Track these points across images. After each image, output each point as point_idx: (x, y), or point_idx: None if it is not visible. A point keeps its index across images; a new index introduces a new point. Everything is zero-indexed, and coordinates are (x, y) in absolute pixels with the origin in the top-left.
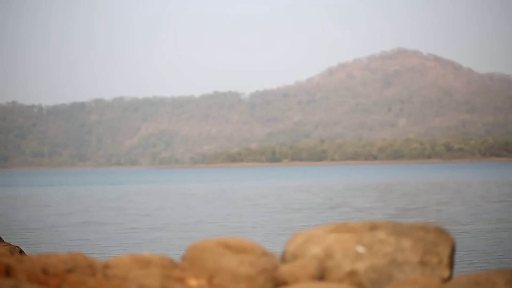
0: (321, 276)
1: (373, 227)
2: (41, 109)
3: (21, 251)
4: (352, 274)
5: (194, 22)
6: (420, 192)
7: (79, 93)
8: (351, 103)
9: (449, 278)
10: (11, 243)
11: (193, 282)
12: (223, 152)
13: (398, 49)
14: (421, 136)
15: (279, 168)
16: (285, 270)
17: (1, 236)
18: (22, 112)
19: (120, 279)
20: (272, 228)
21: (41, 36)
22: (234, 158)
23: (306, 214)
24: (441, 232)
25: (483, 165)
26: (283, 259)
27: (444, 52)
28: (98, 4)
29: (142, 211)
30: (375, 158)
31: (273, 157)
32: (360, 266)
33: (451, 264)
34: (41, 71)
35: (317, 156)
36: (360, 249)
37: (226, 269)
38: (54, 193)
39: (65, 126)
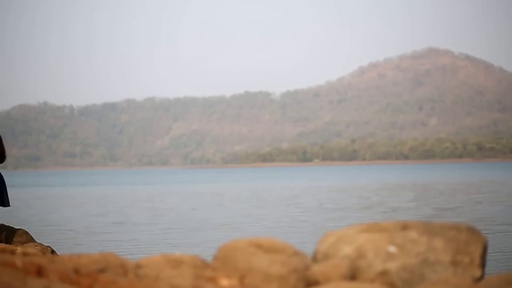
0: (352, 276)
1: (404, 226)
2: (72, 109)
3: (52, 251)
4: (383, 274)
5: (222, 22)
6: (455, 192)
7: (110, 94)
8: (382, 102)
9: (481, 278)
10: (43, 243)
11: (224, 282)
12: (254, 152)
13: (429, 48)
14: (452, 136)
15: (310, 168)
16: (316, 270)
17: (33, 236)
18: (53, 113)
19: (152, 279)
20: (307, 228)
21: (72, 37)
22: (265, 158)
23: (341, 214)
24: (473, 231)
25: None
26: (315, 259)
27: (476, 51)
28: (121, 3)
29: (174, 211)
30: (406, 157)
31: (304, 157)
32: (392, 265)
33: (483, 264)
34: (72, 72)
35: (348, 155)
36: (392, 248)
37: (257, 269)
38: (86, 193)
39: (96, 126)
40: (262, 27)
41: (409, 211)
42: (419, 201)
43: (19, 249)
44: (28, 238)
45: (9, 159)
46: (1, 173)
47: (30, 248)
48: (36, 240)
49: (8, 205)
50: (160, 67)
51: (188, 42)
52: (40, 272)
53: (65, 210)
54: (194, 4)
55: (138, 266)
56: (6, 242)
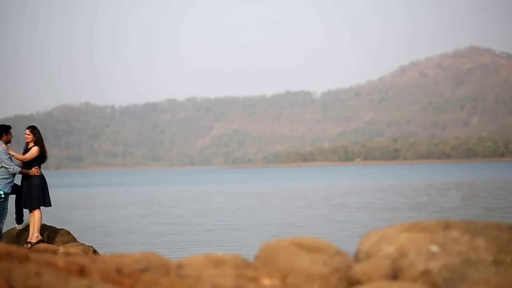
0: (394, 275)
1: (446, 226)
2: (114, 109)
3: (94, 251)
4: (425, 273)
5: (258, 22)
6: (503, 191)
7: (152, 94)
8: (423, 101)
9: None
10: (85, 243)
11: (266, 281)
12: (295, 151)
13: (470, 47)
14: (494, 134)
15: (352, 167)
16: (358, 269)
17: (75, 236)
18: (95, 113)
19: (194, 279)
20: (351, 228)
21: (114, 38)
22: (306, 158)
23: (390, 215)
24: None
25: None
26: (357, 258)
27: None
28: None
29: (218, 211)
30: (448, 156)
31: (345, 156)
32: (434, 265)
33: None
34: (114, 72)
35: (390, 155)
36: (434, 248)
37: (299, 269)
38: (128, 193)
39: (138, 127)
40: (302, 26)
41: (459, 210)
42: (468, 200)
43: (61, 249)
44: (70, 238)
45: (51, 160)
46: (43, 173)
47: (72, 248)
48: (78, 240)
49: (50, 205)
50: (201, 67)
51: (229, 42)
52: (82, 272)
53: (106, 210)
54: (236, 3)
55: (180, 266)
56: (48, 242)
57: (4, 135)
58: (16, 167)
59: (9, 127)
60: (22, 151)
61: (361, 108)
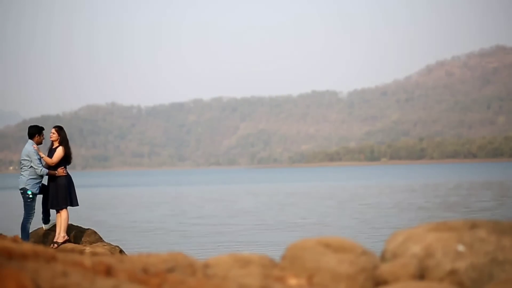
0: (421, 275)
1: (473, 225)
2: (140, 109)
3: (121, 251)
4: (452, 273)
5: (285, 21)
6: None
7: (178, 93)
8: (450, 101)
9: None
10: (111, 243)
11: (293, 281)
12: (321, 151)
13: (496, 46)
14: None
15: (378, 167)
16: (385, 269)
17: (101, 236)
18: (121, 113)
19: (220, 279)
20: (381, 228)
21: (139, 38)
22: (332, 157)
23: (418, 214)
24: None
25: None
26: (383, 258)
27: None
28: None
29: (244, 210)
30: (474, 156)
31: (371, 156)
32: (461, 265)
33: None
34: (140, 72)
35: (416, 154)
36: (461, 248)
37: (326, 268)
38: (155, 193)
39: (164, 126)
40: (328, 25)
41: (491, 211)
42: (498, 200)
43: (88, 249)
44: (96, 238)
45: (77, 160)
46: (70, 173)
47: (98, 248)
48: (105, 240)
49: (77, 205)
50: (228, 67)
51: (255, 41)
52: (109, 272)
53: (133, 210)
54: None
55: (206, 266)
56: (75, 242)
57: (36, 135)
58: (43, 168)
59: (42, 129)
60: (47, 151)
61: (387, 108)
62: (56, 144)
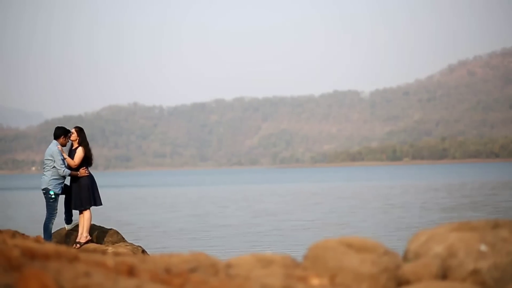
0: (443, 275)
1: (495, 225)
2: (162, 109)
3: (143, 251)
4: (475, 273)
5: (310, 20)
6: None
7: (200, 94)
8: (472, 100)
9: None
10: (133, 243)
11: (315, 281)
12: (343, 151)
13: None
14: None
15: (400, 167)
16: (407, 269)
17: (124, 236)
18: (143, 113)
19: (243, 279)
20: (405, 227)
21: (162, 38)
22: (354, 157)
23: (443, 214)
24: None
25: None
26: (406, 258)
27: None
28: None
29: (267, 210)
30: (496, 156)
31: (393, 155)
32: (483, 264)
33: None
34: (162, 73)
35: (438, 154)
36: (483, 247)
37: (348, 268)
38: (178, 194)
39: (186, 127)
40: (350, 25)
41: None
42: None
43: (110, 249)
44: (119, 238)
45: (99, 160)
46: (92, 173)
47: (121, 248)
48: (127, 240)
49: (100, 204)
50: (249, 67)
51: (277, 41)
52: (131, 272)
53: (155, 210)
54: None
55: (228, 266)
56: (97, 242)
57: (62, 137)
58: (66, 169)
59: (68, 131)
60: (68, 152)
61: (409, 108)
62: (75, 144)
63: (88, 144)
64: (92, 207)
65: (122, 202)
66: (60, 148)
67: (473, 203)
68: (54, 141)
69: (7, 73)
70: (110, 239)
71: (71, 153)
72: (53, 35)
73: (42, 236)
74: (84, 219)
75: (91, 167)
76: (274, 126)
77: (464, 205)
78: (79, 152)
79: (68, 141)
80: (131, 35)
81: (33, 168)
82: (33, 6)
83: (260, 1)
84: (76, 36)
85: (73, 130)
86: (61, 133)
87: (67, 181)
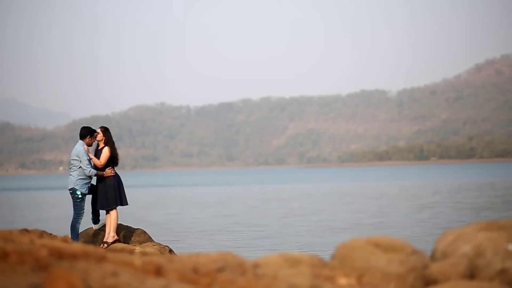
0: (471, 274)
1: None
2: (189, 109)
3: (170, 251)
4: (502, 272)
5: (338, 19)
6: None
7: (227, 93)
8: (499, 99)
9: None
10: (161, 243)
11: (342, 281)
12: (371, 150)
13: None
14: None
15: (428, 166)
16: (435, 268)
17: (151, 236)
18: (170, 113)
19: (270, 278)
20: (434, 227)
21: (189, 38)
22: (381, 157)
23: (473, 213)
24: None
25: None
26: (433, 257)
27: None
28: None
29: (296, 210)
30: None
31: (421, 155)
32: (511, 264)
33: None
34: (189, 73)
35: (466, 153)
36: (511, 247)
37: (375, 268)
38: (205, 193)
39: (213, 126)
40: (378, 24)
41: None
42: None
43: (137, 249)
44: (146, 238)
45: (127, 160)
46: (118, 173)
47: (148, 248)
48: (154, 240)
49: (126, 204)
50: (276, 67)
51: (304, 41)
52: (158, 271)
53: (183, 209)
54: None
55: (256, 266)
56: (125, 242)
57: (88, 137)
58: (92, 169)
59: (94, 131)
60: (94, 152)
61: (437, 107)
62: (102, 144)
63: (114, 144)
64: (119, 207)
65: (149, 202)
66: (86, 148)
67: (504, 202)
68: (80, 141)
69: (35, 73)
70: (137, 238)
71: (97, 153)
72: (79, 35)
73: (70, 236)
74: (111, 219)
75: (117, 167)
76: (301, 125)
77: (495, 204)
78: (105, 152)
79: (94, 141)
80: (159, 35)
81: (61, 168)
82: (59, 6)
83: None
84: (102, 36)
85: (98, 130)
86: (86, 133)
87: (94, 181)
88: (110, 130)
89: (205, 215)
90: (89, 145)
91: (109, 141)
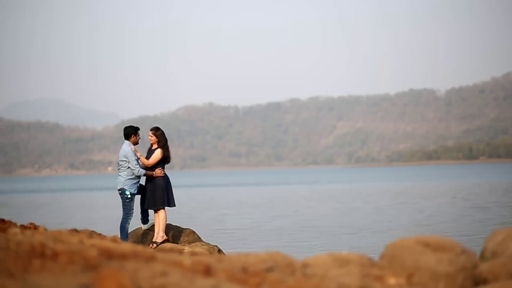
0: None
1: None
2: (237, 109)
3: (219, 251)
4: None
5: (380, 18)
6: None
7: (275, 93)
8: None
9: None
10: (210, 243)
11: (392, 280)
12: (419, 149)
13: None
14: None
15: (477, 166)
16: (484, 268)
17: (200, 236)
18: (219, 113)
19: (319, 278)
20: (483, 226)
21: (233, 40)
22: (430, 156)
23: None
24: None
25: None
26: (483, 257)
27: None
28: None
29: (342, 210)
30: None
31: (470, 154)
32: None
33: None
34: (237, 73)
35: None
36: None
37: (425, 267)
38: (254, 193)
39: (261, 126)
40: (424, 23)
41: None
42: None
43: (186, 249)
44: (195, 238)
45: (175, 160)
46: (167, 174)
47: (197, 248)
48: (203, 240)
49: (174, 205)
50: (324, 66)
51: (351, 40)
52: (208, 271)
53: (232, 209)
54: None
55: (305, 265)
56: (174, 242)
57: (132, 136)
58: (141, 169)
59: (137, 129)
60: (146, 152)
61: (486, 106)
62: (155, 146)
63: (166, 143)
64: (167, 208)
65: (198, 201)
66: (133, 148)
67: None
68: (126, 142)
69: (84, 74)
70: (186, 238)
71: (150, 154)
72: (123, 37)
73: (119, 236)
74: (159, 219)
75: (167, 167)
76: (350, 125)
77: None
78: (157, 154)
79: (140, 138)
80: (204, 38)
81: (110, 168)
82: (113, 8)
83: None
84: (149, 38)
85: (150, 133)
86: (130, 132)
87: (142, 181)
88: (163, 132)
89: (254, 215)
90: (135, 143)
91: (164, 144)
